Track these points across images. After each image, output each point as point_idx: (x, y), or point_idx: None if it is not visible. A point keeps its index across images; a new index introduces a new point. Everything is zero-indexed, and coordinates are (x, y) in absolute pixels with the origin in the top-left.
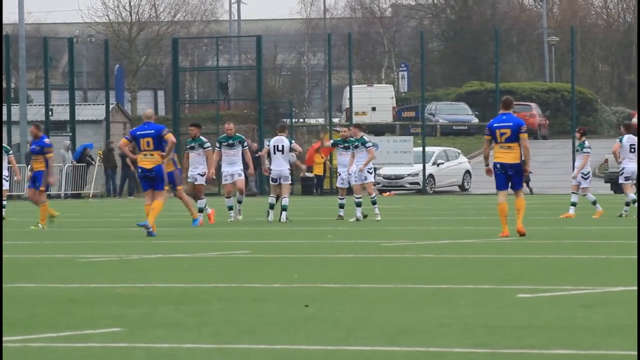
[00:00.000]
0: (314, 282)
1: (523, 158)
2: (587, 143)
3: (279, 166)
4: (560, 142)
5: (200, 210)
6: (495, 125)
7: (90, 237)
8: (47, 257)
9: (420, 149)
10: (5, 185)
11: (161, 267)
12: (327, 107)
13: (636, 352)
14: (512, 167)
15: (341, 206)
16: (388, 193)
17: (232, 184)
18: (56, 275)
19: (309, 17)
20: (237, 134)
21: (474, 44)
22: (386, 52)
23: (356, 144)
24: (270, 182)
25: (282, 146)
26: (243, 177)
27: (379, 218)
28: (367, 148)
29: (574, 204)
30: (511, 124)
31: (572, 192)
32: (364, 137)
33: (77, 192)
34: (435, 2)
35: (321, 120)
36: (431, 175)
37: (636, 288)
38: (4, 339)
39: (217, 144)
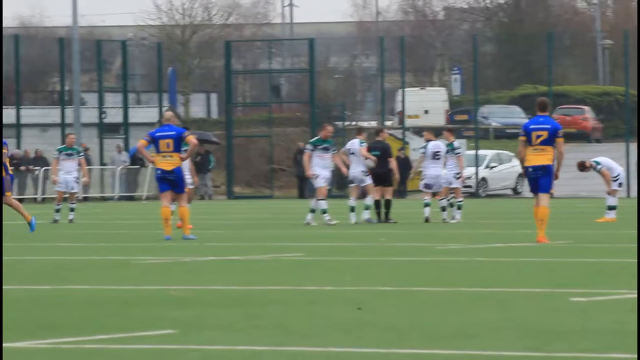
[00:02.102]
0: (367, 285)
1: (555, 162)
2: None
3: (354, 168)
4: (615, 145)
5: None
6: (531, 126)
7: (144, 240)
8: (101, 259)
9: (473, 152)
10: (76, 188)
11: (214, 270)
12: (379, 110)
13: None
14: (542, 168)
15: (426, 205)
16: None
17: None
18: (110, 277)
19: (362, 20)
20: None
21: (527, 47)
22: (439, 55)
23: (447, 149)
24: (349, 185)
25: (355, 149)
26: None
27: (446, 218)
28: (456, 155)
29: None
30: (549, 126)
31: None
32: (454, 142)
33: (130, 194)
34: (488, 5)
35: (374, 123)
36: (484, 179)
37: None
38: (56, 340)
39: (311, 146)
